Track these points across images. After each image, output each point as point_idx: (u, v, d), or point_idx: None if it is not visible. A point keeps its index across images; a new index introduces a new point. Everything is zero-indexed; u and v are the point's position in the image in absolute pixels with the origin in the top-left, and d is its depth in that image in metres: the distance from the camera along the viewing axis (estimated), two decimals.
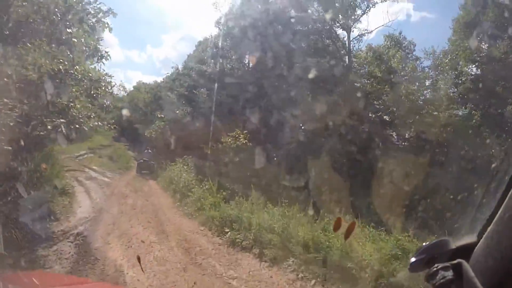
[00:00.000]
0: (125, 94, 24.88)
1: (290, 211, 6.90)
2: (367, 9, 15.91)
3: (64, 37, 5.84)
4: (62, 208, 7.51)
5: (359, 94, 13.94)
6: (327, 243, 5.40)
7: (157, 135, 17.30)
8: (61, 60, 6.76)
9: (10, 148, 6.82)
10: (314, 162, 11.70)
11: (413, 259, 0.84)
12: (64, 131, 6.50)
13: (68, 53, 6.51)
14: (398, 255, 4.72)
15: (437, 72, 14.39)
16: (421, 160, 11.29)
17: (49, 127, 6.47)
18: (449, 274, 0.72)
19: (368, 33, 16.11)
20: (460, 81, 13.23)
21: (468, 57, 13.24)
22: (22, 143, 7.09)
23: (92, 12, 6.41)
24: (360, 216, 8.03)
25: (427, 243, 0.85)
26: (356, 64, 16.25)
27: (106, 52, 7.33)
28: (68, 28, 5.86)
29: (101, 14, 6.40)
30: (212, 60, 19.33)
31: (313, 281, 4.83)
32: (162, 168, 14.15)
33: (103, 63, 7.36)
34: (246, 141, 11.28)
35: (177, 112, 17.81)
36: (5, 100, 6.30)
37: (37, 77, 7.05)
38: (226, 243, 6.17)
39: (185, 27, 36.25)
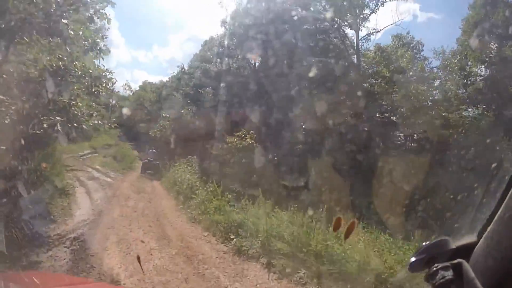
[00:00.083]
0: (131, 94, 24.69)
1: (299, 217, 6.45)
2: (376, 8, 15.53)
3: (61, 29, 5.48)
4: (60, 210, 7.19)
5: (367, 94, 13.67)
6: (343, 254, 4.92)
7: (162, 134, 17.04)
8: (59, 56, 6.43)
9: (9, 147, 6.60)
10: (324, 164, 11.20)
11: (413, 259, 0.83)
12: (60, 129, 6.15)
13: (67, 48, 6.17)
14: None
15: (446, 73, 14.20)
16: (434, 160, 11.01)
17: (45, 125, 6.13)
18: (449, 274, 0.72)
19: (377, 32, 15.78)
20: (469, 82, 13.07)
21: (478, 57, 13.02)
22: (22, 142, 6.83)
23: (89, 0, 6.05)
24: (378, 224, 7.59)
25: (427, 242, 0.83)
26: (364, 64, 15.94)
27: (105, 46, 6.94)
28: (64, 19, 5.49)
29: (99, 5, 6.02)
30: (218, 60, 19.06)
31: None
32: (167, 168, 13.84)
33: (102, 58, 6.99)
34: (252, 141, 10.83)
35: (182, 111, 17.52)
36: (1, 97, 6.02)
37: (37, 74, 6.78)
38: (231, 251, 5.73)
39: (191, 27, 36.13)
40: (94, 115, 9.38)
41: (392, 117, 14.06)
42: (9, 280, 1.99)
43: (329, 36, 16.78)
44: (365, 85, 14.65)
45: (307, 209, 6.73)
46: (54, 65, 6.26)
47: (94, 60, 7.09)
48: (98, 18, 6.12)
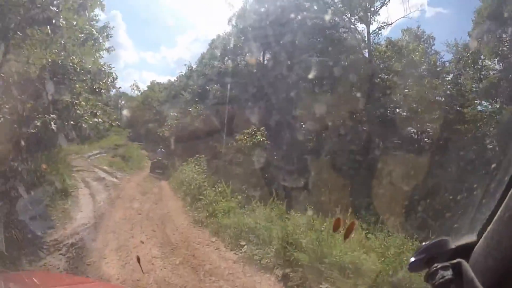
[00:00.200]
0: (139, 94, 24.53)
1: (318, 221, 5.74)
2: (386, 0, 14.94)
3: (51, 17, 5.01)
4: (60, 213, 6.76)
5: (379, 90, 13.42)
6: (373, 267, 4.19)
7: (170, 133, 16.68)
8: (55, 51, 5.98)
9: (5, 148, 6.25)
10: (343, 162, 10.44)
11: (412, 259, 0.82)
12: (54, 128, 5.70)
13: (61, 41, 5.71)
14: None
15: (459, 66, 13.68)
16: (448, 156, 10.68)
17: (38, 123, 5.70)
18: (449, 273, 0.71)
19: (387, 25, 15.23)
20: (482, 76, 12.71)
21: (491, 49, 12.58)
22: (22, 142, 6.46)
23: None
24: (401, 229, 6.79)
25: (427, 242, 0.82)
26: (375, 59, 15.36)
27: (105, 34, 6.46)
28: (54, 7, 5.02)
29: None
30: (226, 57, 18.57)
31: None
32: (175, 168, 13.39)
33: (105, 52, 6.53)
34: (263, 138, 10.16)
35: (190, 109, 17.09)
36: None
37: (34, 72, 6.40)
38: (241, 260, 5.09)
39: (198, 28, 35.75)
40: (98, 113, 9.03)
41: (403, 114, 13.60)
42: (9, 280, 1.94)
43: (338, 31, 16.31)
44: (376, 80, 14.25)
45: (327, 212, 6.03)
46: (50, 60, 5.80)
47: (93, 55, 6.60)
48: (90, 5, 5.60)
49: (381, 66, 14.97)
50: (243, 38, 17.71)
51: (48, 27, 5.09)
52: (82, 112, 8.24)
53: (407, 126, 13.39)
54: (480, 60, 12.89)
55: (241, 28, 17.83)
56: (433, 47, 14.84)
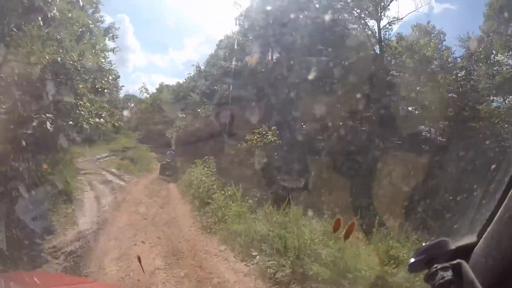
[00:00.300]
0: (148, 96, 24.49)
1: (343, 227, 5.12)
2: None
3: (42, 6, 4.69)
4: (63, 218, 6.44)
5: (391, 86, 12.98)
6: (407, 284, 3.56)
7: (178, 135, 16.40)
8: (53, 48, 5.66)
9: (7, 148, 6.00)
10: (357, 160, 9.75)
11: (412, 260, 0.81)
12: (50, 128, 5.36)
13: (57, 36, 5.39)
14: None
15: (471, 62, 13.20)
16: (464, 154, 10.09)
17: (34, 124, 5.37)
18: (449, 274, 0.71)
19: (398, 20, 14.77)
20: (494, 71, 12.25)
21: (504, 43, 12.09)
22: (24, 143, 6.20)
23: None
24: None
25: (427, 243, 0.82)
26: (387, 55, 14.92)
27: (110, 35, 6.14)
28: None
29: None
30: (234, 57, 18.22)
31: None
32: (184, 170, 13.02)
33: (111, 53, 6.21)
34: (274, 138, 9.60)
35: (199, 110, 16.77)
36: None
37: (38, 74, 6.13)
38: (253, 273, 4.54)
39: (206, 30, 35.62)
40: (103, 115, 8.75)
41: (415, 111, 13.28)
42: (9, 280, 1.92)
43: (348, 28, 15.88)
44: (387, 77, 13.80)
45: (349, 218, 5.41)
46: (47, 57, 5.48)
47: (91, 51, 6.26)
48: None
49: (392, 63, 14.60)
50: (251, 37, 17.45)
51: (40, 18, 4.76)
52: (86, 113, 7.98)
53: (420, 124, 13.04)
54: (492, 55, 12.47)
55: (249, 27, 17.57)
56: (443, 43, 14.40)
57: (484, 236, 0.72)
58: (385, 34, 15.03)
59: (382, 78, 13.71)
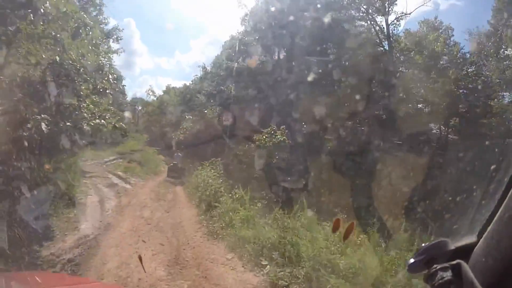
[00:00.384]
0: (155, 99, 24.47)
1: (357, 233, 4.65)
2: None
3: (35, 2, 4.44)
4: (64, 223, 6.17)
5: (402, 84, 12.68)
6: None
7: (185, 136, 16.18)
8: (50, 46, 5.41)
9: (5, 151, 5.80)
10: (372, 160, 9.19)
11: (412, 260, 0.81)
12: (44, 129, 5.10)
13: (51, 32, 5.14)
14: None
15: (481, 57, 13.00)
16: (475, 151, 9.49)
17: (28, 125, 5.12)
18: (448, 274, 0.71)
19: (405, 15, 14.43)
20: (505, 66, 12.05)
21: None
22: (26, 144, 5.99)
23: None
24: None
25: (427, 244, 0.81)
26: (396, 51, 14.66)
27: (115, 37, 5.88)
28: None
29: None
30: (241, 57, 17.94)
31: None
32: (191, 172, 12.73)
33: (112, 53, 5.96)
34: (284, 137, 9.14)
35: (205, 111, 16.52)
36: None
37: (38, 75, 5.94)
38: (263, 285, 4.11)
39: (212, 31, 35.68)
40: (107, 117, 8.53)
41: (425, 109, 13.06)
42: (10, 280, 1.89)
43: (354, 25, 15.54)
44: (397, 74, 13.56)
45: (366, 225, 4.92)
46: (44, 56, 5.24)
47: (86, 47, 5.99)
48: None
49: (401, 59, 14.36)
50: (257, 37, 17.22)
51: (30, 11, 4.50)
52: (90, 115, 7.76)
53: (432, 121, 12.82)
54: (502, 50, 12.39)
55: (254, 27, 17.34)
56: (452, 38, 14.12)
57: (484, 236, 0.72)
58: (393, 30, 14.78)
59: (392, 74, 13.33)
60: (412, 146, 10.80)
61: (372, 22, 15.39)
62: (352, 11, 15.70)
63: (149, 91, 24.87)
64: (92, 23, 5.78)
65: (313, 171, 9.00)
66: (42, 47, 5.41)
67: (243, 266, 4.61)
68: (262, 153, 9.01)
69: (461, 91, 12.45)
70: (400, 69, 13.97)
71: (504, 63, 12.15)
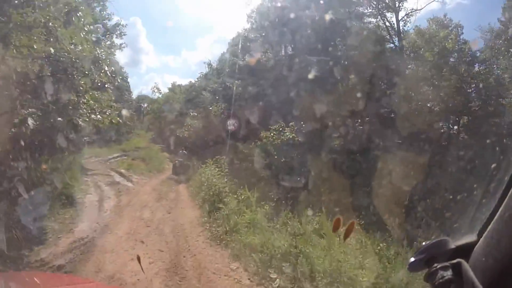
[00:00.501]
0: (160, 96, 24.13)
1: (378, 240, 4.10)
2: None
3: None
4: (59, 224, 5.81)
5: (413, 82, 12.31)
6: None
7: (190, 134, 15.78)
8: (42, 37, 4.99)
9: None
10: (372, 160, 8.59)
11: (412, 259, 0.81)
12: (30, 125, 4.69)
13: (41, 20, 4.71)
14: None
15: (492, 54, 12.71)
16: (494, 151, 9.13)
17: (16, 121, 4.72)
18: (449, 273, 0.71)
19: (416, 11, 14.30)
20: None
21: None
22: (22, 143, 5.63)
23: None
24: None
25: (427, 242, 0.80)
26: (406, 48, 14.38)
27: (118, 32, 5.45)
28: None
29: None
30: (247, 54, 17.45)
31: None
32: (196, 170, 12.30)
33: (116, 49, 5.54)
34: (293, 135, 8.60)
35: (211, 108, 16.07)
36: None
37: (36, 70, 5.54)
38: None
39: (218, 29, 35.24)
40: (108, 113, 8.15)
41: (436, 108, 12.60)
42: (9, 280, 1.88)
43: (364, 22, 15.25)
44: (407, 72, 13.20)
45: (386, 231, 4.36)
46: (35, 46, 4.82)
47: (78, 35, 5.54)
48: None
49: (411, 56, 14.02)
50: (263, 33, 16.79)
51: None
52: (89, 110, 7.38)
53: (445, 119, 12.75)
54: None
55: (261, 23, 16.92)
56: (461, 36, 13.74)
57: (484, 235, 0.71)
58: (404, 27, 14.64)
59: (402, 72, 12.90)
60: (425, 143, 10.38)
61: (383, 18, 15.06)
62: (361, 8, 15.37)
63: (155, 88, 24.43)
64: (82, 7, 5.31)
65: (323, 171, 8.44)
66: (34, 37, 4.99)
67: (249, 279, 4.10)
68: (270, 151, 8.49)
69: (472, 88, 12.30)
70: (410, 66, 13.65)
71: None
